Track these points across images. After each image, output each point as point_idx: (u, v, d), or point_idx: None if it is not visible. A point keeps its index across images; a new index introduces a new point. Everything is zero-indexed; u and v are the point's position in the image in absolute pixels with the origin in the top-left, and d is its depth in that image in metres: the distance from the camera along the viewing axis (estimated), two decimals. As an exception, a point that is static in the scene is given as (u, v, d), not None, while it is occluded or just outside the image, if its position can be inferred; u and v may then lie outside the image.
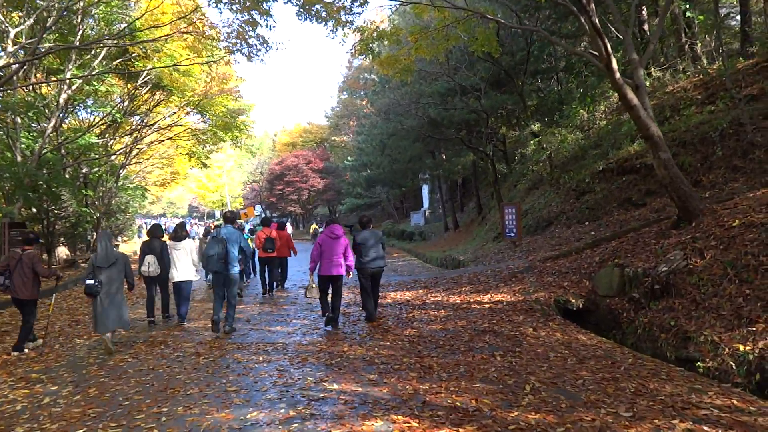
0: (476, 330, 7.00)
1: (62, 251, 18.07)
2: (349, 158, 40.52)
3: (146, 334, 7.92)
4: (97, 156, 17.63)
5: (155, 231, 8.83)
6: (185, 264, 8.53)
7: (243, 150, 27.82)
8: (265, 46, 11.18)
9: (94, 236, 22.04)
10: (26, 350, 7.08)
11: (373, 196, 40.44)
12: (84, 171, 19.03)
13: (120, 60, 15.83)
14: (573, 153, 15.26)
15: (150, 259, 8.38)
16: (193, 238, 14.44)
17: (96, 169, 19.64)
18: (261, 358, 6.15)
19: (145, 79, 15.90)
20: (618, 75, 8.18)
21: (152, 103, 19.08)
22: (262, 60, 43.95)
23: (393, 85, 24.69)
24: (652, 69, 15.68)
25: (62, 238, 18.30)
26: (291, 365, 5.80)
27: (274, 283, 11.76)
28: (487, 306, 8.35)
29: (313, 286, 7.78)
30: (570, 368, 5.32)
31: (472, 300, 8.90)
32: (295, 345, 6.75)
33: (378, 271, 7.99)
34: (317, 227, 35.44)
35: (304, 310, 9.30)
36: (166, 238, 9.40)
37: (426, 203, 38.75)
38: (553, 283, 8.95)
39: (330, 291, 7.83)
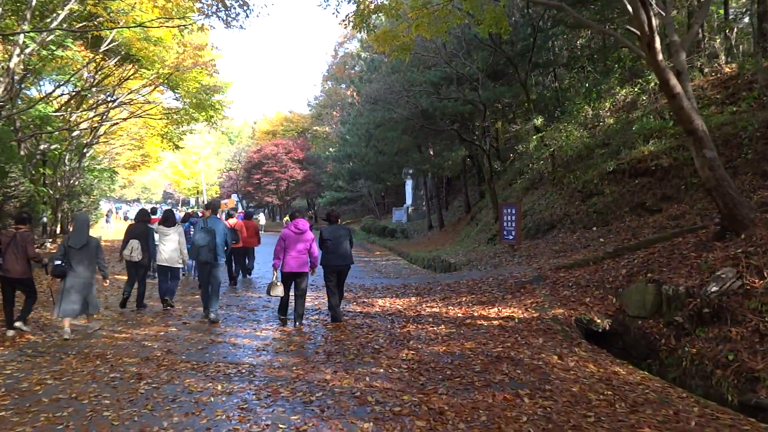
0: (489, 356, 5.71)
1: (12, 234, 16.26)
2: (331, 149, 38.98)
3: (85, 342, 6.49)
4: (54, 130, 15.88)
5: (142, 216, 8.81)
6: (172, 250, 8.30)
7: (220, 134, 26.23)
8: (244, 9, 9.72)
9: (53, 219, 20.34)
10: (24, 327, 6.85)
11: (354, 190, 38.92)
12: (42, 147, 17.36)
13: (84, 23, 14.14)
14: (578, 151, 14.08)
15: (134, 243, 8.24)
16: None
17: (56, 146, 17.92)
18: (219, 388, 4.76)
19: (110, 46, 14.18)
20: (660, 57, 6.97)
21: (119, 76, 17.34)
22: (241, 27, 41.33)
23: (383, 72, 23.25)
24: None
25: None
26: (257, 401, 4.44)
27: (240, 274, 11.86)
28: (495, 323, 7.06)
29: (278, 283, 7.27)
30: (623, 420, 4.07)
31: (476, 314, 7.61)
32: (265, 368, 5.37)
33: (345, 268, 7.63)
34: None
35: (277, 317, 7.90)
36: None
37: (409, 199, 37.45)
38: (572, 297, 7.69)
39: (293, 290, 7.40)
